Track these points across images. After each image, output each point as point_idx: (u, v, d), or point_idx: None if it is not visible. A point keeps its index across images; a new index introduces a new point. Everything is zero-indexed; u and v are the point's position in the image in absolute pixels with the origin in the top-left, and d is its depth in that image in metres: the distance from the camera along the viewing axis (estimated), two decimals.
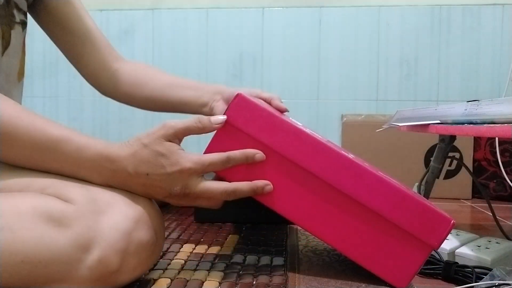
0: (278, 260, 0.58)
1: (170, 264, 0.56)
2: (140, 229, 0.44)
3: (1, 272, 0.39)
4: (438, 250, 0.58)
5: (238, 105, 0.51)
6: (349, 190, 0.49)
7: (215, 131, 0.51)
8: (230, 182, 0.50)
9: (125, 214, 0.44)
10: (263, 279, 0.51)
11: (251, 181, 0.50)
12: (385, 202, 0.49)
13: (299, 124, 0.61)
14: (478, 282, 0.49)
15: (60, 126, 0.47)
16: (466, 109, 0.57)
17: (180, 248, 0.63)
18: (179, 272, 0.53)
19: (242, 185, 0.49)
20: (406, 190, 0.50)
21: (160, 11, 1.43)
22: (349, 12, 1.36)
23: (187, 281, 0.50)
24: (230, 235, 0.71)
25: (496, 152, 1.06)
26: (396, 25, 1.35)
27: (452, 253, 0.59)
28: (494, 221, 0.73)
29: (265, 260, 0.59)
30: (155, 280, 0.50)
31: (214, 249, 0.63)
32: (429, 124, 0.63)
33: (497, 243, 0.61)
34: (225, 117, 0.50)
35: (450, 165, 1.19)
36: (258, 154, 0.50)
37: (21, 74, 0.67)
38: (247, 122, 0.50)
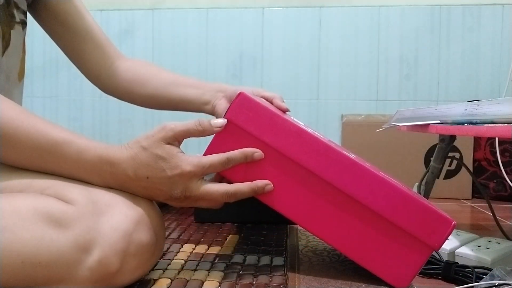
0: (278, 260, 0.58)
1: (170, 264, 0.56)
2: (140, 230, 0.44)
3: (1, 272, 0.39)
4: (438, 250, 0.58)
5: (240, 103, 0.51)
6: (350, 190, 0.49)
7: None
8: (230, 181, 0.50)
9: (125, 215, 0.44)
10: (263, 279, 0.51)
11: (251, 180, 0.50)
12: (386, 203, 0.49)
13: (301, 123, 0.61)
14: (478, 282, 0.49)
15: (60, 128, 0.47)
16: (466, 109, 0.56)
17: (180, 248, 0.63)
18: (179, 272, 0.53)
19: (243, 186, 0.49)
20: (407, 191, 0.50)
21: (160, 11, 1.43)
22: (349, 12, 1.36)
23: (187, 281, 0.50)
24: (230, 235, 0.71)
25: (496, 152, 1.06)
26: (396, 25, 1.35)
27: (452, 253, 0.59)
28: (494, 221, 0.73)
29: (265, 260, 0.59)
30: (155, 280, 0.50)
31: (214, 249, 0.63)
32: (429, 124, 0.63)
33: (497, 243, 0.61)
34: (225, 120, 0.50)
35: (450, 165, 1.19)
36: (257, 152, 0.50)
37: (21, 74, 0.67)
38: (249, 121, 0.50)
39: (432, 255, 0.57)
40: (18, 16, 0.63)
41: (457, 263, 0.54)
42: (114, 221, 0.43)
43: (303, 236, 0.71)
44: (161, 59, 1.44)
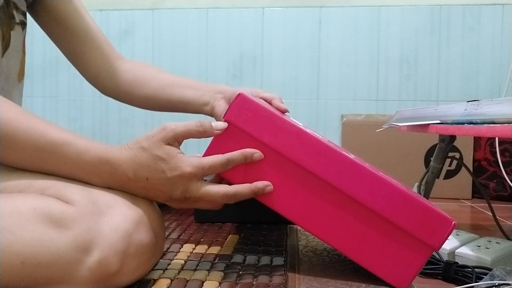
0: (278, 260, 0.58)
1: (170, 264, 0.56)
2: (140, 230, 0.44)
3: (1, 273, 0.39)
4: (438, 250, 0.58)
5: (239, 105, 0.51)
6: (350, 190, 0.49)
7: None
8: (230, 182, 0.50)
9: (125, 216, 0.43)
10: (263, 279, 0.51)
11: (251, 181, 0.50)
12: (386, 203, 0.49)
13: (300, 124, 0.60)
14: (478, 282, 0.49)
15: (60, 128, 0.47)
16: (466, 109, 0.56)
17: (180, 248, 0.63)
18: (179, 272, 0.53)
19: (243, 188, 0.49)
20: (407, 191, 0.50)
21: (160, 11, 1.43)
22: (349, 12, 1.36)
23: (187, 281, 0.50)
24: (230, 235, 0.71)
25: (496, 152, 1.06)
26: (396, 25, 1.35)
27: (452, 253, 0.59)
28: (494, 221, 0.73)
29: (265, 260, 0.59)
30: (155, 280, 0.50)
31: (214, 249, 0.63)
32: (429, 124, 0.63)
33: (497, 243, 0.61)
34: (226, 124, 0.50)
35: (450, 165, 1.19)
36: (257, 153, 0.50)
37: (21, 75, 0.67)
38: (248, 122, 0.50)
39: (432, 255, 0.57)
40: (17, 17, 0.63)
41: (457, 263, 0.54)
42: (114, 221, 0.43)
43: (303, 236, 0.71)
44: (161, 59, 1.44)
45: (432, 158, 0.77)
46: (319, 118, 1.39)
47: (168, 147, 0.46)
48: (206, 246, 0.65)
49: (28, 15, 0.69)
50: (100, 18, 1.44)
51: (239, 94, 0.51)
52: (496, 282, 0.47)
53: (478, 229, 0.84)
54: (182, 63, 1.43)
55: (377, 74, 1.36)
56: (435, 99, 1.35)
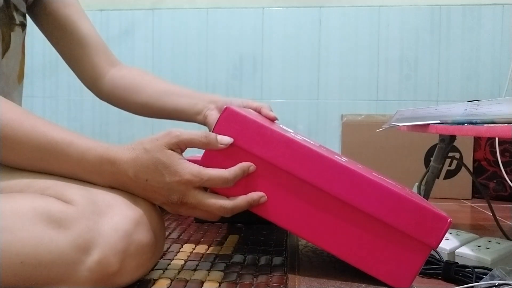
0: (278, 260, 0.58)
1: (170, 264, 0.56)
2: (140, 230, 0.44)
3: (1, 273, 0.39)
4: (438, 250, 0.58)
5: (226, 118, 0.51)
6: (343, 195, 0.49)
7: None
8: (224, 194, 0.50)
9: (125, 216, 0.43)
10: (263, 279, 0.51)
11: (244, 192, 0.50)
12: (380, 206, 0.49)
13: (290, 131, 0.61)
14: (478, 282, 0.49)
15: (60, 128, 0.47)
16: (466, 109, 0.57)
17: (180, 248, 0.63)
18: (179, 272, 0.53)
19: (240, 202, 0.49)
20: (401, 192, 0.50)
21: (160, 11, 1.43)
22: (349, 12, 1.36)
23: (187, 281, 0.50)
24: (230, 235, 0.71)
25: (496, 152, 1.06)
26: (396, 25, 1.35)
27: (452, 253, 0.59)
28: (494, 221, 0.73)
29: (265, 260, 0.59)
30: (155, 280, 0.50)
31: (214, 249, 0.63)
32: (429, 124, 0.63)
33: (497, 243, 0.61)
34: (232, 140, 0.50)
35: (450, 165, 1.19)
36: (252, 166, 0.50)
37: (21, 76, 0.67)
38: (237, 135, 0.50)
39: (432, 255, 0.57)
40: (17, 18, 0.63)
41: (457, 263, 0.54)
42: (114, 221, 0.43)
43: None
44: (161, 59, 1.44)
45: (432, 158, 0.77)
46: (319, 118, 1.39)
47: (170, 151, 0.47)
48: (206, 246, 0.65)
49: (27, 16, 0.69)
50: (100, 18, 1.44)
51: (225, 108, 0.51)
52: (496, 282, 0.47)
53: (478, 229, 0.84)
54: (182, 63, 1.43)
55: (377, 74, 1.36)
56: (435, 99, 1.35)
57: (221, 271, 0.54)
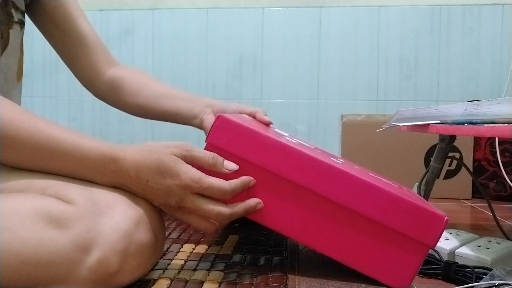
0: (278, 260, 0.58)
1: (170, 264, 0.56)
2: (140, 230, 0.44)
3: (1, 272, 0.39)
4: (438, 250, 0.58)
5: (219, 127, 0.51)
6: (339, 198, 0.49)
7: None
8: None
9: (125, 215, 0.44)
10: (263, 279, 0.51)
11: (240, 199, 0.50)
12: (376, 207, 0.49)
13: (284, 134, 0.61)
14: (478, 282, 0.49)
15: (62, 127, 0.47)
16: (466, 109, 0.57)
17: (180, 248, 0.63)
18: (179, 272, 0.53)
19: (238, 209, 0.49)
20: (396, 192, 0.50)
21: (160, 11, 1.43)
22: (349, 12, 1.36)
23: (187, 281, 0.50)
24: (230, 235, 0.71)
25: (496, 152, 1.06)
26: (396, 25, 1.35)
27: (452, 253, 0.59)
28: (494, 221, 0.73)
29: (264, 260, 0.59)
30: (155, 280, 0.50)
31: (214, 249, 0.63)
32: (429, 124, 0.63)
33: (497, 243, 0.61)
34: (238, 167, 0.50)
35: (450, 165, 1.19)
36: (252, 180, 0.50)
37: (19, 74, 0.67)
38: (231, 143, 0.50)
39: (432, 255, 0.57)
40: (16, 16, 0.63)
41: (457, 263, 0.54)
42: (114, 221, 0.43)
43: None
44: (161, 59, 1.44)
45: (432, 158, 0.77)
46: (319, 118, 1.39)
47: (176, 157, 0.47)
48: (206, 246, 0.65)
49: (26, 15, 0.69)
50: (100, 18, 1.44)
51: (218, 116, 0.51)
52: (496, 282, 0.47)
53: (478, 229, 0.84)
54: (182, 63, 1.43)
55: (377, 74, 1.36)
56: (435, 99, 1.35)
57: (221, 271, 0.54)
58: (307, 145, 0.60)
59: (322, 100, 1.39)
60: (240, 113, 0.71)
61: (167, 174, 0.46)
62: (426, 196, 0.78)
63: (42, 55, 1.46)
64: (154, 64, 1.44)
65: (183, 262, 0.57)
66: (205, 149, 0.51)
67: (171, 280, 0.51)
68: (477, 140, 1.19)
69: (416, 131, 0.69)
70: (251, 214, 0.51)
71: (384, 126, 0.81)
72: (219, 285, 0.49)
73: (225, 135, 0.50)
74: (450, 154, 0.78)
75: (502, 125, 0.49)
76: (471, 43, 1.32)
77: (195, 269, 0.54)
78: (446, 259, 0.57)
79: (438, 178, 0.77)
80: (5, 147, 0.45)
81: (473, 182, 1.19)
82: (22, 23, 0.65)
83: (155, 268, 0.54)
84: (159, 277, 0.51)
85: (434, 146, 0.90)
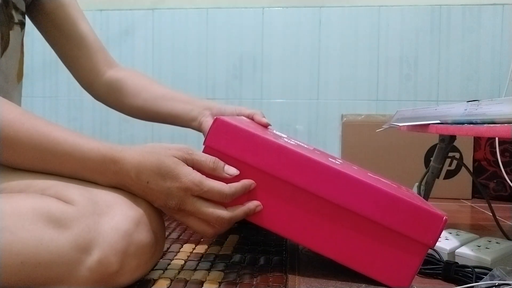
0: (278, 260, 0.58)
1: (170, 264, 0.56)
2: (140, 230, 0.44)
3: (1, 273, 0.39)
4: (438, 250, 0.58)
5: (217, 129, 0.51)
6: (337, 199, 0.49)
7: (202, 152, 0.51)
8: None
9: (125, 215, 0.44)
10: (263, 279, 0.51)
11: (240, 201, 0.50)
12: (375, 207, 0.49)
13: (283, 136, 0.61)
14: (478, 282, 0.49)
15: (62, 128, 0.47)
16: (466, 109, 0.57)
17: (180, 248, 0.63)
18: (179, 272, 0.53)
19: (238, 212, 0.49)
20: (395, 192, 0.49)
21: (160, 11, 1.43)
22: (349, 12, 1.36)
23: (187, 281, 0.50)
24: (230, 235, 0.71)
25: (496, 152, 1.06)
26: (396, 25, 1.35)
27: (452, 253, 0.59)
28: (494, 221, 0.73)
29: (264, 260, 0.59)
30: (155, 280, 0.50)
31: (214, 249, 0.63)
32: (429, 124, 0.63)
33: (497, 243, 0.61)
34: (238, 172, 0.50)
35: (450, 165, 1.19)
36: (253, 184, 0.50)
37: (20, 75, 0.67)
38: (229, 145, 0.50)
39: (432, 255, 0.57)
40: (16, 17, 0.63)
41: (457, 263, 0.54)
42: (115, 221, 0.43)
43: None
44: (161, 59, 1.44)
45: (432, 158, 0.77)
46: (319, 118, 1.39)
47: (177, 160, 0.47)
48: (206, 246, 0.65)
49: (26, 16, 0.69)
50: (100, 18, 1.44)
51: (215, 119, 0.51)
52: (496, 282, 0.47)
53: (478, 229, 0.84)
54: (182, 63, 1.43)
55: (377, 74, 1.36)
56: (435, 99, 1.35)
57: (221, 271, 0.54)
58: (305, 146, 0.60)
59: (322, 100, 1.39)
60: (238, 115, 0.71)
61: (167, 176, 0.46)
62: (426, 196, 0.78)
63: (42, 55, 1.46)
64: (154, 64, 1.44)
65: (183, 262, 0.57)
66: (203, 151, 0.51)
67: (171, 280, 0.51)
68: (477, 140, 1.19)
69: (416, 131, 0.69)
70: (251, 216, 0.51)
71: (384, 126, 0.81)
72: (219, 285, 0.49)
73: (223, 138, 0.50)
74: (450, 154, 0.78)
75: (502, 125, 0.49)
76: (471, 43, 1.32)
77: (195, 269, 0.54)
78: (446, 259, 0.57)
79: (438, 178, 0.77)
80: (5, 149, 0.45)
81: (473, 182, 1.19)
82: (22, 24, 0.65)
83: (155, 268, 0.54)
84: (159, 277, 0.51)
85: (434, 146, 0.90)
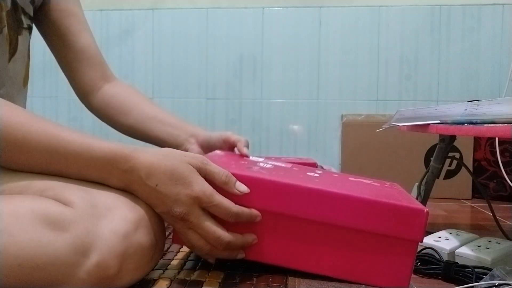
0: None
1: (170, 264, 0.56)
2: (140, 232, 0.44)
3: None
4: (438, 250, 0.58)
5: None
6: (318, 217, 0.49)
7: None
8: None
9: (125, 218, 0.43)
10: (263, 279, 0.51)
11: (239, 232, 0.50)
12: (356, 216, 0.49)
13: (259, 160, 0.61)
14: (478, 282, 0.49)
15: (71, 130, 0.46)
16: (466, 109, 0.57)
17: (180, 248, 0.63)
18: (179, 272, 0.53)
19: (236, 239, 0.49)
20: (372, 196, 0.49)
21: (160, 11, 1.43)
22: (349, 12, 1.36)
23: (187, 281, 0.50)
24: None
25: (496, 152, 1.06)
26: (396, 25, 1.35)
27: (452, 253, 0.59)
28: (494, 221, 0.73)
29: None
30: (155, 281, 0.50)
31: None
32: (429, 124, 0.63)
33: (497, 243, 0.61)
34: (248, 190, 0.50)
35: (450, 165, 1.19)
36: (259, 217, 0.50)
37: (26, 79, 0.66)
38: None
39: (432, 255, 0.57)
40: (25, 22, 0.62)
41: (457, 263, 0.54)
42: (114, 224, 0.42)
43: None
44: (161, 59, 1.44)
45: (432, 158, 0.77)
46: (319, 118, 1.39)
47: (192, 168, 0.47)
48: None
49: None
50: (100, 18, 1.44)
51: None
52: (496, 282, 0.47)
53: (478, 229, 0.84)
54: (182, 63, 1.43)
55: (377, 74, 1.36)
56: (435, 99, 1.35)
57: (221, 271, 0.54)
58: (282, 165, 0.61)
59: (322, 100, 1.39)
60: (224, 141, 0.71)
61: (179, 182, 0.46)
62: (426, 196, 0.78)
63: (42, 55, 1.46)
64: (154, 64, 1.44)
65: (183, 262, 0.57)
66: None
67: (171, 280, 0.50)
68: (477, 140, 1.19)
69: (416, 131, 0.69)
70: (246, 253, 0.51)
71: (384, 126, 0.81)
72: (219, 285, 0.49)
73: None
74: (450, 154, 0.78)
75: (502, 125, 0.48)
76: (471, 43, 1.32)
77: (195, 269, 0.54)
78: (446, 259, 0.57)
79: (438, 178, 0.77)
80: (14, 152, 0.44)
81: (473, 182, 1.19)
82: (30, 29, 0.65)
83: (155, 268, 0.54)
84: (159, 277, 0.51)
85: (434, 146, 0.90)
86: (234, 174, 0.49)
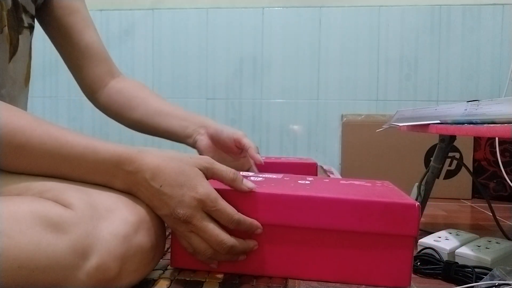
0: None
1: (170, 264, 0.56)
2: (140, 235, 0.43)
3: None
4: (438, 250, 0.58)
5: None
6: (315, 223, 0.50)
7: None
8: None
9: (125, 220, 0.43)
10: (263, 279, 0.51)
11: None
12: (349, 218, 0.49)
13: (249, 174, 0.62)
14: (478, 282, 0.49)
15: (74, 132, 0.46)
16: (466, 109, 0.56)
17: None
18: (179, 272, 0.53)
19: (240, 244, 0.49)
20: (363, 197, 0.50)
21: (160, 11, 1.43)
22: (349, 12, 1.36)
23: (187, 281, 0.50)
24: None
25: (496, 152, 1.06)
26: (396, 25, 1.35)
27: (452, 253, 0.59)
28: (494, 221, 0.73)
29: None
30: (155, 281, 0.50)
31: None
32: (429, 124, 0.63)
33: (497, 243, 0.61)
34: (255, 186, 0.50)
35: (450, 165, 1.19)
36: (260, 229, 0.50)
37: (27, 79, 0.66)
38: None
39: (432, 255, 0.57)
40: (26, 21, 0.62)
41: (457, 263, 0.54)
42: (113, 226, 0.42)
43: None
44: (161, 59, 1.44)
45: (432, 158, 0.77)
46: (319, 118, 1.39)
47: (198, 170, 0.47)
48: None
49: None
50: (100, 18, 1.44)
51: None
52: (496, 282, 0.47)
53: (478, 229, 0.84)
54: (182, 63, 1.43)
55: (377, 74, 1.36)
56: (435, 99, 1.35)
57: (221, 271, 0.54)
58: (273, 176, 0.61)
59: (322, 100, 1.39)
60: (235, 143, 0.71)
61: (185, 184, 0.45)
62: (426, 196, 0.78)
63: (42, 55, 1.46)
64: (154, 64, 1.44)
65: None
66: None
67: (171, 281, 0.50)
68: (477, 140, 1.19)
69: (416, 131, 0.69)
70: (238, 267, 0.52)
71: (384, 126, 0.81)
72: (219, 286, 0.49)
73: None
74: (450, 154, 0.78)
75: (502, 125, 0.48)
76: (471, 43, 1.32)
77: (195, 269, 0.54)
78: (446, 259, 0.57)
79: (438, 178, 0.77)
80: (17, 155, 0.44)
81: (473, 182, 1.19)
82: (31, 28, 0.64)
83: (155, 268, 0.54)
84: (159, 277, 0.51)
85: (434, 146, 0.90)
86: (226, 190, 0.49)
